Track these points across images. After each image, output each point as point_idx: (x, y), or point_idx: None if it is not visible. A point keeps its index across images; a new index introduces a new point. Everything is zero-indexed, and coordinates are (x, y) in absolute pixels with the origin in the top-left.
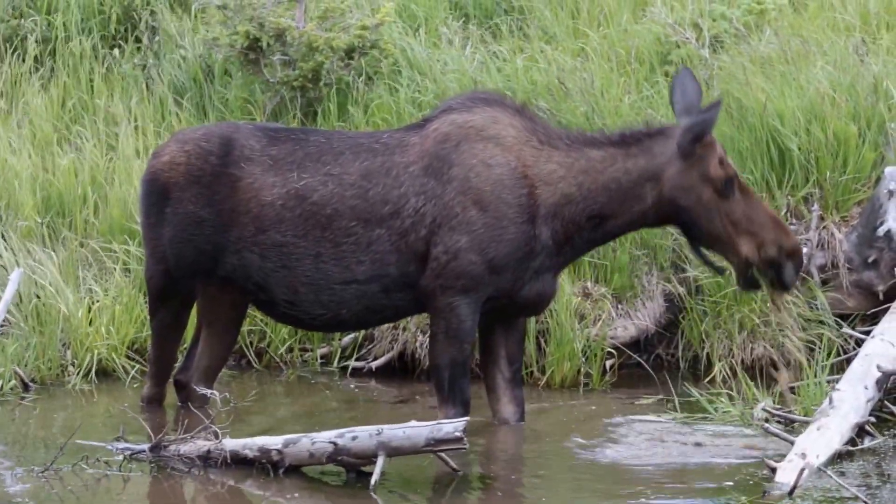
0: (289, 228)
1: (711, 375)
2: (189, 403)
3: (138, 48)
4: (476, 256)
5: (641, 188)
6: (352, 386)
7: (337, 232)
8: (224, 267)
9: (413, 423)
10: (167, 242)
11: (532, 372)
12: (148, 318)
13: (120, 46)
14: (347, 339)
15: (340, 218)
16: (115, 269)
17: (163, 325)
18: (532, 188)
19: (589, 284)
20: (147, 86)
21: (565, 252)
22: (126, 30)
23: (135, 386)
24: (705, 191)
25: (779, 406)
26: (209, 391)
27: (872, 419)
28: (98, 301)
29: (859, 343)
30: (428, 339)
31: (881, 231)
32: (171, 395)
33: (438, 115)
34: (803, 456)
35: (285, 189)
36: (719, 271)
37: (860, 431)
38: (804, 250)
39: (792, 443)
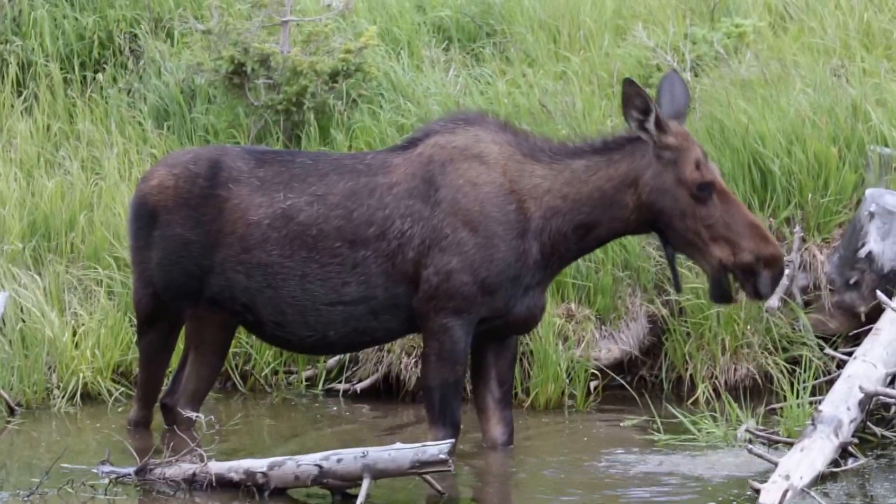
0: (274, 248)
1: (695, 397)
2: (175, 427)
3: (123, 72)
4: (468, 277)
5: (623, 194)
6: (337, 408)
7: (323, 252)
8: (210, 288)
9: (398, 445)
10: (155, 265)
11: (517, 394)
12: (135, 341)
13: (104, 70)
14: (332, 361)
15: (326, 238)
16: (100, 292)
17: (151, 349)
18: (520, 203)
19: (572, 306)
20: (130, 109)
21: (552, 264)
22: (111, 54)
23: (119, 409)
24: (681, 194)
25: (762, 427)
26: (194, 414)
27: (855, 440)
28: (83, 325)
29: (841, 364)
30: (412, 362)
31: (862, 253)
32: (157, 419)
33: (421, 138)
34: (787, 477)
35: (272, 209)
36: (677, 287)
37: (844, 452)
38: (786, 270)
39: (776, 464)
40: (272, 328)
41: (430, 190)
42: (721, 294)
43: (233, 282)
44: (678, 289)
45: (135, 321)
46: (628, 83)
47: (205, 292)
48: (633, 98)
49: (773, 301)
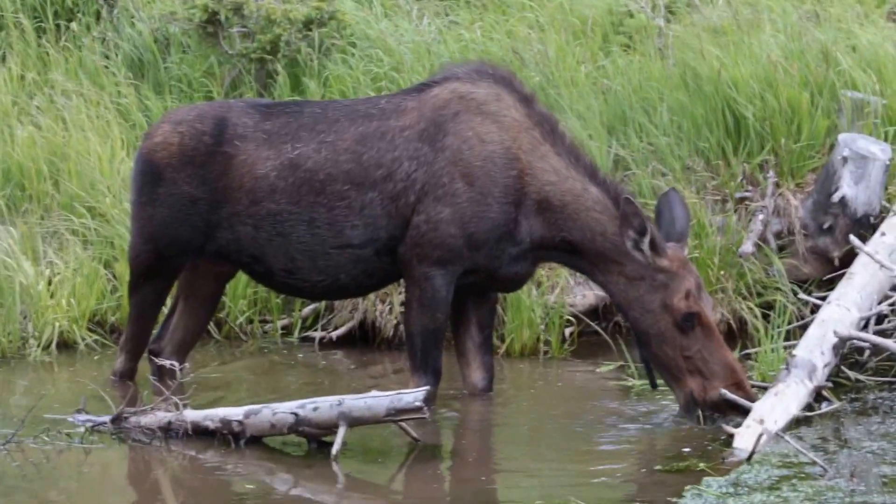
0: (282, 197)
1: None
2: (154, 375)
3: (97, 22)
4: (456, 230)
5: (609, 264)
6: (313, 356)
7: (331, 196)
8: (217, 242)
9: (374, 392)
10: (160, 222)
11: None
12: (128, 294)
13: (78, 20)
14: (308, 309)
15: (334, 182)
16: (75, 241)
17: (144, 303)
18: (522, 173)
19: None
20: (104, 59)
21: (539, 255)
22: (84, 2)
23: (95, 357)
24: (665, 318)
25: None
26: (168, 362)
27: (830, 384)
28: (59, 274)
29: (815, 309)
30: (387, 309)
31: (836, 197)
32: (141, 370)
33: (440, 81)
34: (761, 422)
35: (279, 160)
36: (652, 384)
37: (818, 396)
38: (760, 216)
39: (749, 408)
40: (283, 276)
41: (439, 135)
42: (691, 415)
43: (240, 234)
44: (653, 386)
45: (111, 270)
46: (626, 202)
47: (209, 247)
48: (631, 218)
49: (748, 246)
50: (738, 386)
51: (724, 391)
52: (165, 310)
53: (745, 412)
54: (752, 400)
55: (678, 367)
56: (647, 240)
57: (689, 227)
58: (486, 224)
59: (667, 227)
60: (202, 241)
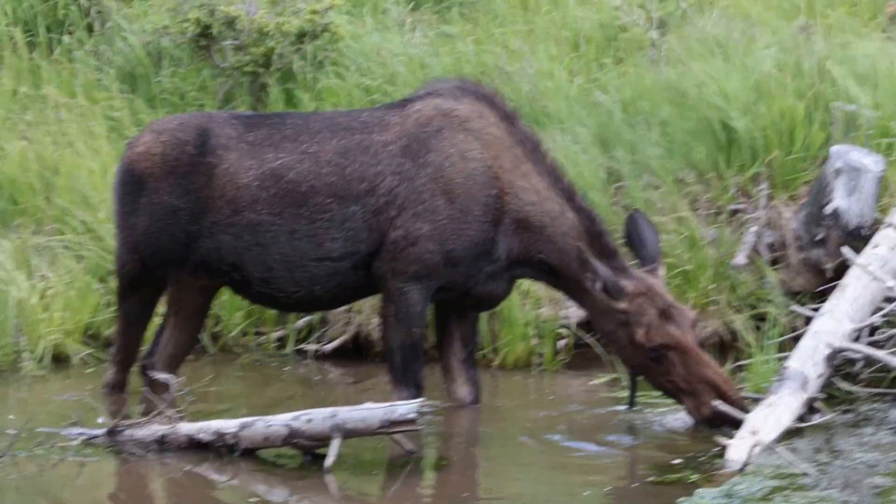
0: (264, 207)
1: None
2: (150, 389)
3: (89, 35)
4: (435, 246)
5: (583, 292)
6: (306, 369)
7: (313, 209)
8: (198, 252)
9: (367, 404)
10: (142, 232)
11: (486, 354)
12: (116, 305)
13: (70, 33)
14: (302, 322)
15: (316, 195)
16: (67, 255)
17: (132, 314)
18: (502, 192)
19: None
20: (97, 72)
21: (516, 272)
22: (76, 16)
23: (89, 371)
24: (637, 352)
25: None
26: (164, 376)
27: (822, 396)
28: (51, 287)
29: (808, 321)
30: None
31: (828, 209)
32: (133, 382)
33: (423, 97)
34: (754, 433)
35: (261, 170)
36: (630, 403)
37: (810, 408)
38: (753, 228)
39: (743, 420)
40: (259, 285)
41: (421, 150)
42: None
43: (221, 243)
44: (631, 405)
45: (104, 284)
46: (580, 250)
47: (192, 257)
48: (587, 262)
49: (740, 258)
50: (724, 398)
51: (715, 404)
52: (156, 324)
53: (737, 423)
54: (743, 409)
55: (669, 390)
56: (598, 286)
57: (659, 247)
58: (465, 241)
59: (637, 251)
60: (184, 251)
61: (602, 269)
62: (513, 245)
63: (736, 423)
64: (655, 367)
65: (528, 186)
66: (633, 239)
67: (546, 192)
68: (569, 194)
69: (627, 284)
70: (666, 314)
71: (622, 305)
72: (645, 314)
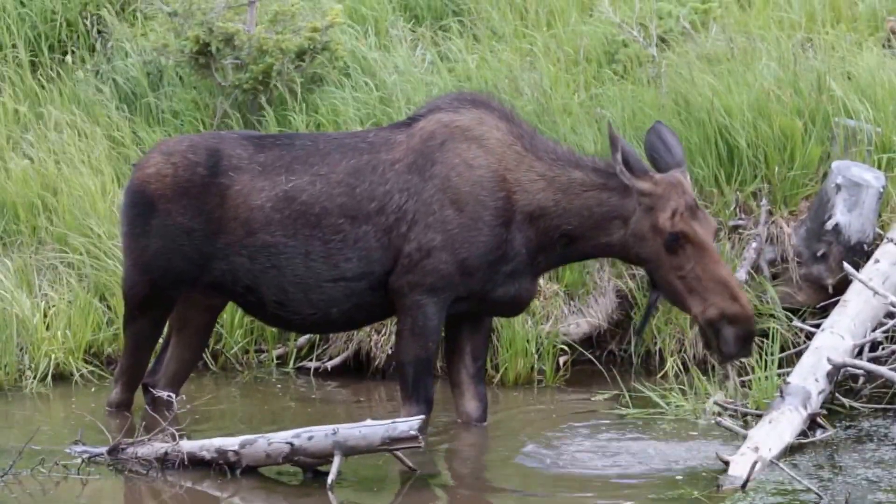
0: (278, 229)
1: (664, 371)
2: (153, 407)
3: (90, 55)
4: (448, 256)
5: (610, 223)
6: (307, 386)
7: (326, 230)
8: (212, 273)
9: (369, 421)
10: (153, 253)
11: (486, 370)
12: (124, 326)
13: (72, 53)
14: (303, 339)
15: (329, 215)
16: (69, 274)
17: (140, 335)
18: (510, 192)
19: (541, 281)
20: (98, 92)
21: (539, 262)
22: (78, 36)
23: (92, 389)
24: (655, 242)
25: (731, 400)
26: (165, 393)
27: (824, 411)
28: (53, 306)
29: (809, 336)
30: (382, 339)
31: (829, 225)
32: (137, 401)
33: (425, 114)
34: (756, 449)
35: (274, 192)
36: (638, 330)
37: (812, 424)
38: (753, 244)
39: (744, 436)
40: (274, 308)
41: (427, 164)
42: (716, 359)
43: (235, 265)
44: (638, 332)
45: (106, 302)
46: (609, 126)
47: (204, 278)
48: (615, 142)
49: (741, 274)
50: (733, 299)
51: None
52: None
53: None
54: (748, 313)
55: (677, 290)
56: (618, 162)
57: (684, 152)
58: (479, 248)
59: (663, 157)
60: (197, 272)
61: (620, 145)
62: (530, 235)
63: (740, 324)
64: (669, 259)
65: (535, 176)
66: (658, 147)
67: (550, 172)
68: (569, 158)
69: (655, 175)
70: (693, 210)
71: (646, 186)
72: (672, 199)
